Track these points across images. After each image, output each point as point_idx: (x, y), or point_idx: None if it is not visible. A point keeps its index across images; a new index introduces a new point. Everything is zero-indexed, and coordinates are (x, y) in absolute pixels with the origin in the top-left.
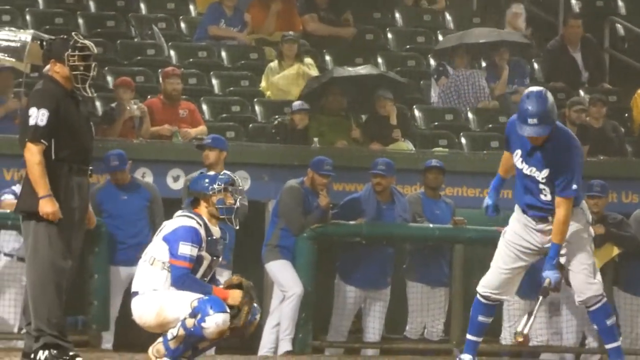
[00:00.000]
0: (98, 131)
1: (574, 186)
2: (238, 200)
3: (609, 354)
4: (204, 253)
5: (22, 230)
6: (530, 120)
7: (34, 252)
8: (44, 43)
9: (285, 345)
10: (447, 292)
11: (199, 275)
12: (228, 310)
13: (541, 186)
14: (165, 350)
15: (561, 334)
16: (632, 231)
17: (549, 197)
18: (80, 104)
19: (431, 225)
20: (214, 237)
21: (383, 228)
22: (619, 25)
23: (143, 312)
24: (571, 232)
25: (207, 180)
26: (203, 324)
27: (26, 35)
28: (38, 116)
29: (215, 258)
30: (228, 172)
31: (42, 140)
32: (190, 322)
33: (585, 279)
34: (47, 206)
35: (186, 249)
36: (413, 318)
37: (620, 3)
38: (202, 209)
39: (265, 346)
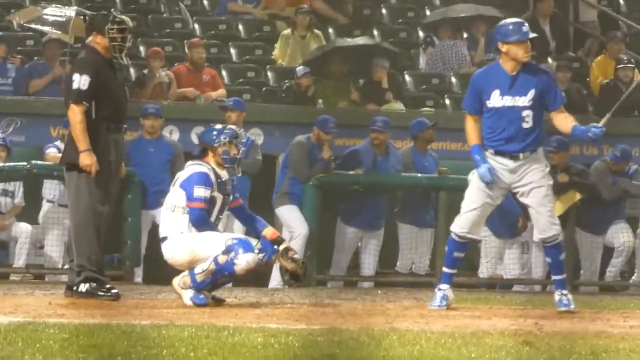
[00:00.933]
0: (132, 94)
1: (563, 94)
2: (241, 151)
3: (556, 284)
4: (215, 194)
5: (65, 180)
6: (524, 28)
7: (76, 199)
8: (87, 18)
9: None
10: (432, 233)
11: (214, 212)
12: (256, 251)
13: (525, 113)
14: (192, 282)
15: (530, 269)
16: (592, 179)
17: (530, 124)
18: (117, 71)
19: (419, 175)
20: (223, 179)
21: (378, 178)
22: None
23: (175, 253)
24: (536, 176)
25: (214, 133)
26: (235, 261)
27: (70, 11)
28: (80, 81)
29: (226, 196)
30: (233, 127)
31: (83, 102)
32: (222, 259)
33: (549, 219)
34: (87, 159)
35: (200, 191)
36: (403, 255)
37: None
38: (210, 157)
39: (274, 280)
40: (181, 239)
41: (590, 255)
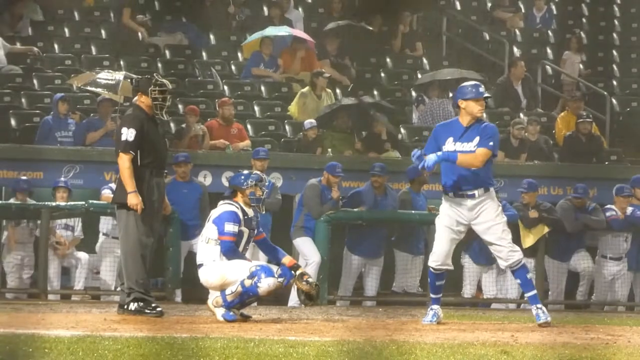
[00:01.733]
0: (172, 145)
1: (491, 143)
2: (265, 192)
3: (530, 300)
4: (243, 228)
5: (116, 217)
6: (481, 89)
7: (125, 232)
8: (133, 80)
9: None
10: (423, 259)
11: (242, 243)
12: (276, 276)
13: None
14: (223, 302)
15: (507, 289)
16: (557, 215)
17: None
18: (158, 125)
19: (413, 212)
20: (249, 216)
21: (378, 214)
22: (548, 67)
23: (209, 277)
24: (491, 214)
25: (242, 177)
26: (259, 284)
27: (120, 75)
28: (127, 134)
29: (251, 230)
30: (258, 172)
31: (130, 151)
32: (248, 282)
33: (509, 250)
34: (134, 199)
35: (230, 227)
36: (398, 277)
37: (549, 50)
38: (239, 198)
39: (292, 299)
40: (214, 266)
41: (557, 279)
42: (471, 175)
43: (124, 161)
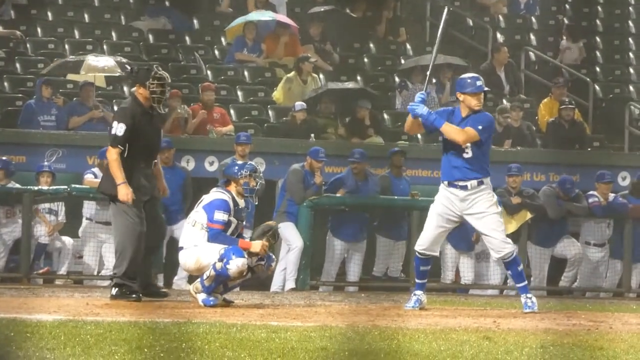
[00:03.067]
0: None
1: (480, 127)
2: (259, 183)
3: (519, 290)
4: (232, 218)
5: (110, 208)
6: (479, 82)
7: (115, 222)
8: (132, 71)
9: (290, 284)
10: (405, 245)
11: (228, 233)
12: (245, 256)
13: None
14: (202, 287)
15: (488, 276)
16: (540, 201)
17: (470, 154)
18: (153, 117)
19: (395, 197)
20: (240, 207)
21: (360, 199)
22: (531, 53)
23: (186, 261)
24: (485, 205)
25: (236, 167)
26: (228, 266)
27: (108, 59)
28: (117, 128)
29: (240, 222)
30: (252, 163)
31: (118, 145)
32: (218, 265)
33: (501, 241)
34: (123, 190)
35: (219, 215)
36: (379, 262)
37: (532, 36)
38: (232, 187)
39: (275, 285)
40: (192, 249)
41: (539, 265)
42: (465, 166)
43: (112, 154)
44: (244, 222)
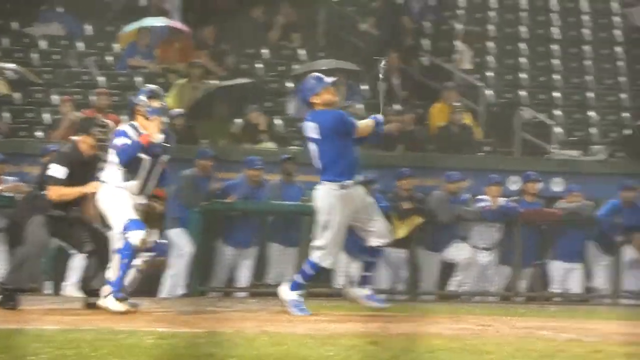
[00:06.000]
0: (48, 136)
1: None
2: (161, 104)
3: (367, 280)
4: (142, 155)
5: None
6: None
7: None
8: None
9: (180, 290)
10: (297, 251)
11: (143, 172)
12: (144, 228)
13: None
14: (112, 286)
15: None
16: (430, 205)
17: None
18: (90, 164)
19: (288, 203)
20: (155, 142)
21: (253, 205)
22: (423, 58)
23: (103, 198)
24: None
25: (133, 97)
26: (130, 240)
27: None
28: (57, 170)
29: (154, 158)
30: (153, 86)
31: (57, 184)
32: (120, 244)
33: (386, 227)
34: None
35: (118, 140)
36: (272, 269)
37: (425, 41)
38: (138, 119)
39: (164, 290)
40: (108, 202)
41: (429, 269)
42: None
43: (56, 191)
44: (162, 158)
